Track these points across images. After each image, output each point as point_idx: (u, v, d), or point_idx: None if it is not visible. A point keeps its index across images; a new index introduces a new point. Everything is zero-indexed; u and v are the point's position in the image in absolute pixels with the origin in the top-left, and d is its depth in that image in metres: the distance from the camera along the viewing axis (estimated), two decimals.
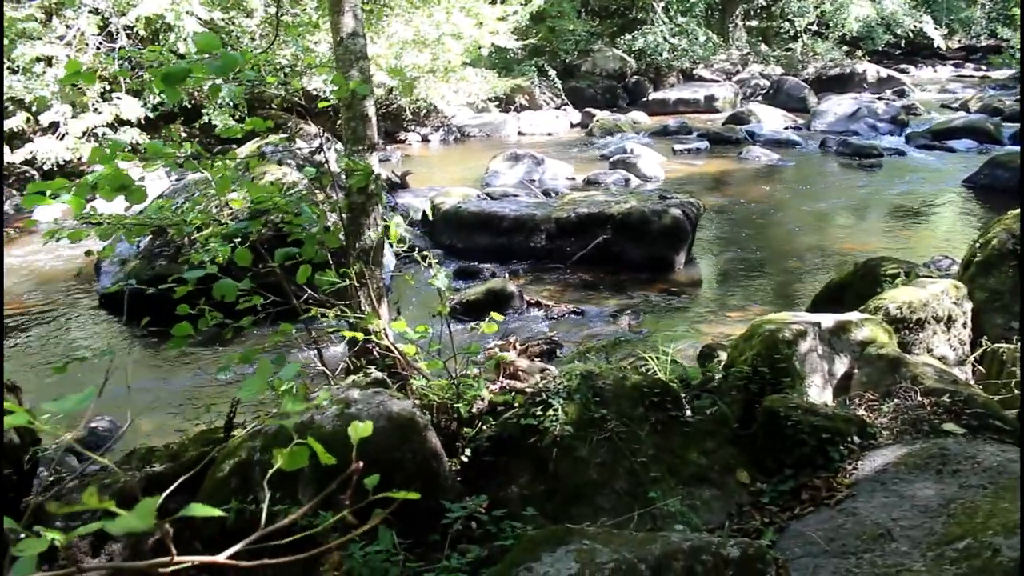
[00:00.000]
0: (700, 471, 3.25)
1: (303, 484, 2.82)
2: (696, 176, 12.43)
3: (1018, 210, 4.98)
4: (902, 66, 25.59)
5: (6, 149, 10.70)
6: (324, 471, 2.81)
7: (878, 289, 4.84)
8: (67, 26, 11.05)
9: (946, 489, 2.78)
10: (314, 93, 12.61)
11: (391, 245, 3.96)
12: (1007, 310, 4.66)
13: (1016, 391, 3.91)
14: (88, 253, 3.86)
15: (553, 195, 10.38)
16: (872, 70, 21.71)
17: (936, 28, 25.39)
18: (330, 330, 4.09)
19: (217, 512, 0.98)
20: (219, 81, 2.89)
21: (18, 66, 10.36)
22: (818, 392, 3.77)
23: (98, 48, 11.00)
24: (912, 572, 2.38)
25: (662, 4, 22.60)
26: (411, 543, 2.72)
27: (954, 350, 4.48)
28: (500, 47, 14.93)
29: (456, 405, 3.45)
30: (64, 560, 2.66)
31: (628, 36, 22.01)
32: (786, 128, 15.87)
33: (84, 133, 10.55)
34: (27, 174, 11.25)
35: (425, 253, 3.81)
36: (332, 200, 4.09)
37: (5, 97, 10.42)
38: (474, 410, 3.49)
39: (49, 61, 10.60)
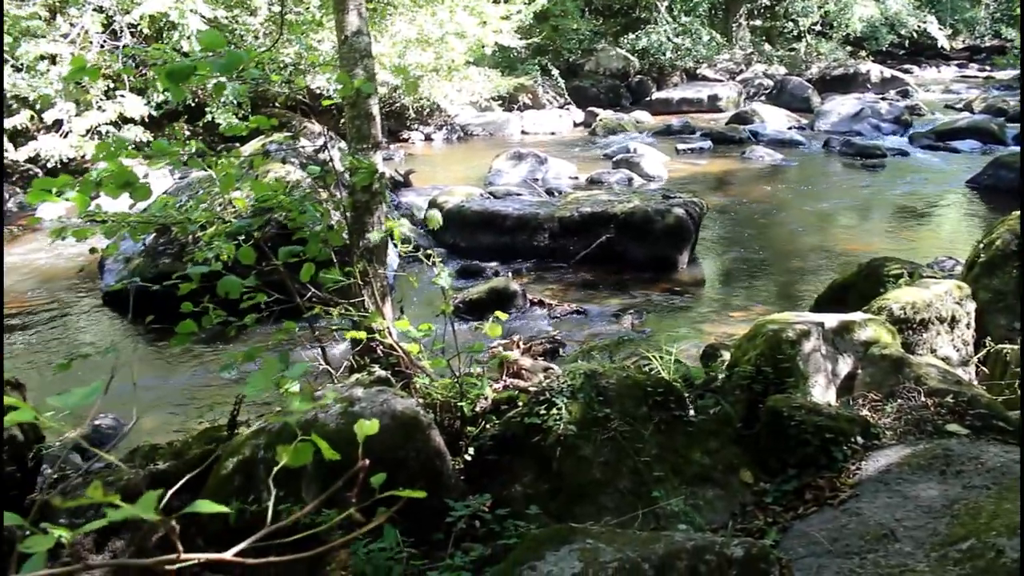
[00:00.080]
0: (704, 471, 3.25)
1: (306, 482, 2.82)
2: (699, 176, 12.42)
3: None
4: (906, 66, 25.54)
5: (10, 147, 10.71)
6: (327, 469, 2.81)
7: (881, 289, 4.84)
8: (71, 24, 11.06)
9: (950, 490, 2.78)
10: (318, 91, 12.61)
11: (395, 245, 3.96)
12: (1011, 311, 4.64)
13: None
14: (93, 251, 3.87)
15: (556, 194, 10.38)
16: (876, 70, 21.67)
17: (940, 28, 25.37)
18: (334, 328, 4.09)
19: (224, 509, 0.98)
20: (223, 79, 2.89)
21: (22, 64, 10.38)
22: (821, 392, 3.76)
23: (102, 46, 11.02)
24: (916, 573, 2.38)
25: (666, 3, 22.59)
26: (414, 541, 2.72)
27: (958, 351, 4.48)
28: (503, 46, 14.92)
29: (459, 404, 3.45)
30: (68, 557, 2.66)
31: (632, 35, 22.01)
32: (789, 128, 15.85)
33: (88, 131, 10.56)
34: (31, 172, 11.27)
35: (429, 252, 3.82)
36: (336, 198, 4.10)
37: (9, 95, 10.44)
38: (477, 409, 3.49)
39: (53, 59, 10.61)
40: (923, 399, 3.52)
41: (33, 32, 10.56)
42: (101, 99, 10.75)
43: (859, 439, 3.27)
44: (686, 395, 3.51)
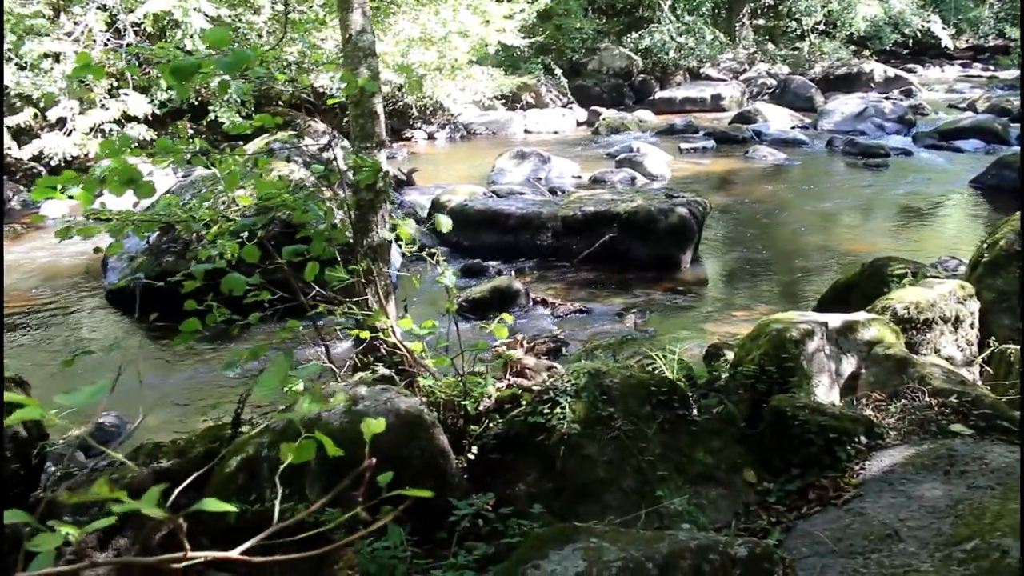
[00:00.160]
0: (707, 470, 3.25)
1: (310, 481, 2.82)
2: (702, 175, 12.41)
3: None
4: (909, 66, 25.48)
5: (14, 145, 10.73)
6: (331, 468, 2.81)
7: (885, 289, 4.83)
8: (75, 22, 11.08)
9: (954, 490, 2.77)
10: (321, 90, 12.62)
11: (400, 245, 3.96)
12: (1015, 311, 4.63)
13: None
14: (97, 250, 3.87)
15: (559, 193, 10.38)
16: (879, 70, 21.62)
17: (944, 28, 25.28)
18: (337, 327, 4.09)
19: (231, 507, 0.98)
20: (227, 77, 2.89)
21: (26, 62, 10.39)
22: (825, 392, 3.76)
23: (106, 44, 11.03)
24: (920, 573, 2.38)
25: (669, 3, 22.56)
26: (418, 540, 2.72)
27: (961, 351, 4.47)
28: (507, 45, 14.92)
29: (463, 403, 3.45)
30: (72, 555, 2.66)
31: (635, 34, 21.98)
32: (793, 127, 15.82)
33: (91, 129, 10.57)
34: (34, 170, 11.29)
35: (433, 251, 3.82)
36: (340, 197, 4.10)
37: (13, 93, 10.45)
38: (481, 408, 3.49)
39: (57, 57, 10.62)
40: (927, 399, 3.52)
41: (37, 30, 10.57)
42: (105, 97, 10.76)
43: (863, 439, 3.27)
44: (690, 394, 3.50)
